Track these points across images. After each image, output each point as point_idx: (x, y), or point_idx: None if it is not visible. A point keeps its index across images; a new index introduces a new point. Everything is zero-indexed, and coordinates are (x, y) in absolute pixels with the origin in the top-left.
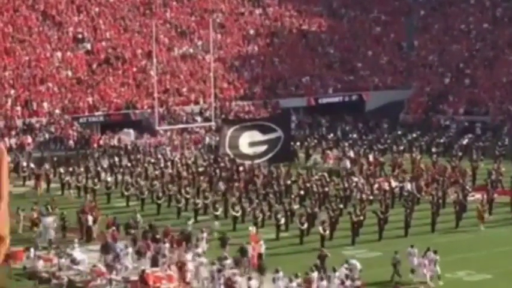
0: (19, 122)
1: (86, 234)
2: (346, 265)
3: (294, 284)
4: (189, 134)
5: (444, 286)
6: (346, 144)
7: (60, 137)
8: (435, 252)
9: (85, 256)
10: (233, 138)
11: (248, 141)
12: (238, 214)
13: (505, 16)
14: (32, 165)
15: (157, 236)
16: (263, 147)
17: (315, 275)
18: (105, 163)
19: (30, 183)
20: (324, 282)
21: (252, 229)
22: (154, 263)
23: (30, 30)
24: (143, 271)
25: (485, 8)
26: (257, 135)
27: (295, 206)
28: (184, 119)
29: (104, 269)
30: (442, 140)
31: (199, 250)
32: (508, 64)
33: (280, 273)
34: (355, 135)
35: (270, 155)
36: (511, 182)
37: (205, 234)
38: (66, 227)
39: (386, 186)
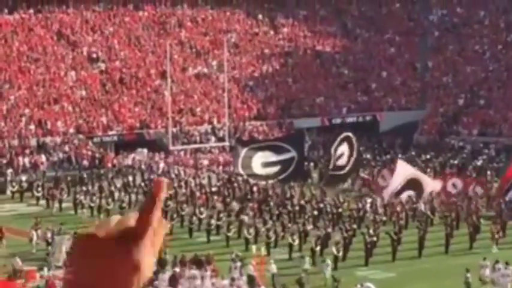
0: (33, 141)
1: None
2: (359, 286)
3: None
4: (203, 153)
5: None
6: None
7: (75, 156)
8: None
9: None
10: (246, 159)
11: (261, 162)
12: (251, 236)
13: None
14: (46, 184)
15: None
16: (276, 168)
17: None
18: (118, 183)
19: (43, 202)
20: None
21: (255, 249)
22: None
23: (45, 50)
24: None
25: (499, 30)
26: (270, 156)
27: (309, 227)
28: (198, 139)
29: None
30: (456, 161)
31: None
32: None
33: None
34: (368, 156)
35: (283, 175)
36: None
37: (238, 263)
38: None
39: (399, 207)
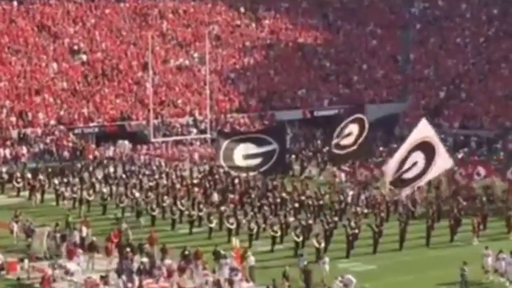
0: (14, 133)
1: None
2: (340, 278)
3: None
4: (184, 145)
5: None
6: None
7: (56, 148)
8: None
9: (79, 267)
10: (228, 151)
11: (243, 154)
12: (233, 227)
13: (500, 30)
14: (26, 176)
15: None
16: (258, 160)
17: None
18: (100, 174)
19: (25, 194)
20: None
21: (235, 242)
22: None
23: (26, 41)
24: (140, 282)
25: (481, 22)
26: (252, 148)
27: (291, 219)
28: (179, 130)
29: (98, 280)
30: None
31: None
32: (503, 78)
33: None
34: None
35: (264, 168)
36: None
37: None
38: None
39: (379, 199)
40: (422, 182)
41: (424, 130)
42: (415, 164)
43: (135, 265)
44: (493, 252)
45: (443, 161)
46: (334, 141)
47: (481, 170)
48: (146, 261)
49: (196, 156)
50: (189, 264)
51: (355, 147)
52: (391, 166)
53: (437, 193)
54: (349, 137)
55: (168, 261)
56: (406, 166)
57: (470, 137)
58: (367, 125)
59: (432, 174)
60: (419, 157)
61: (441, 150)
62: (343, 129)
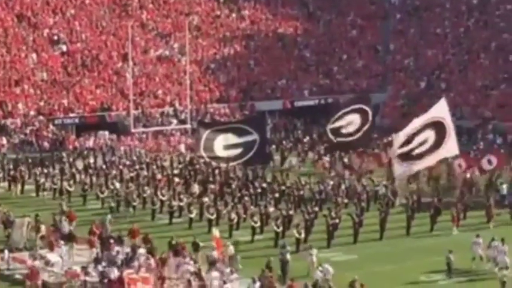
0: None
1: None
2: (320, 268)
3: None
4: (165, 136)
5: None
6: (322, 147)
7: (36, 138)
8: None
9: (59, 258)
10: (208, 141)
11: (223, 144)
12: (213, 217)
13: (480, 21)
14: (6, 166)
15: None
16: (238, 150)
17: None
18: (80, 165)
19: (4, 184)
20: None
21: (215, 232)
22: None
23: (6, 31)
24: (120, 273)
25: (461, 13)
26: (232, 138)
27: (271, 209)
28: (159, 121)
29: (78, 270)
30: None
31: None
32: (483, 68)
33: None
34: None
35: (245, 158)
36: (484, 186)
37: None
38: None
39: (359, 189)
40: (426, 163)
41: (441, 110)
42: (425, 141)
43: (120, 256)
44: (483, 240)
45: (451, 147)
46: (331, 127)
47: (492, 159)
48: (129, 252)
49: (182, 147)
50: (178, 255)
51: (357, 136)
52: (400, 138)
53: (436, 185)
54: (350, 126)
55: (142, 250)
56: (417, 142)
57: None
58: (370, 116)
59: (438, 156)
60: (430, 135)
61: (452, 135)
62: (342, 118)
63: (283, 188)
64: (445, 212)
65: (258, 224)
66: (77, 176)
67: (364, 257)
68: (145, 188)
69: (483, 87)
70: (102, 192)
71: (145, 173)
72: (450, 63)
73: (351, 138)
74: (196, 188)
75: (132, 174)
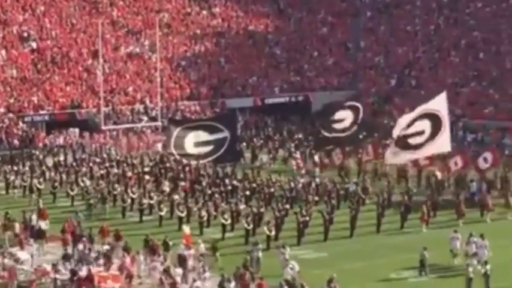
0: None
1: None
2: (291, 265)
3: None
4: (135, 133)
5: (389, 287)
6: (292, 144)
7: (5, 136)
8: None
9: (29, 256)
10: (179, 138)
11: (194, 141)
12: (184, 214)
13: (451, 18)
14: None
15: None
16: (209, 148)
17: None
18: (50, 162)
19: None
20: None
21: (186, 229)
22: None
23: None
24: (89, 270)
25: (431, 11)
26: (203, 135)
27: (241, 206)
28: (130, 118)
29: (48, 268)
30: (387, 142)
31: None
32: (453, 66)
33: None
34: (301, 136)
35: (215, 155)
36: (455, 182)
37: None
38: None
39: (330, 186)
40: (418, 155)
41: (440, 104)
42: (422, 132)
43: (92, 254)
44: (461, 235)
45: (442, 143)
46: (326, 127)
47: (488, 156)
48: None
49: (159, 146)
50: (153, 253)
51: (347, 133)
52: (401, 123)
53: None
54: (343, 122)
55: (106, 247)
56: (412, 130)
57: None
58: (361, 114)
59: (429, 150)
60: (426, 127)
61: (446, 131)
62: (334, 115)
63: (253, 185)
64: (416, 209)
65: (229, 221)
66: (47, 174)
67: (334, 255)
68: (116, 185)
69: (453, 85)
70: (72, 190)
71: (115, 170)
72: (420, 61)
73: (343, 134)
74: (166, 186)
75: (102, 172)
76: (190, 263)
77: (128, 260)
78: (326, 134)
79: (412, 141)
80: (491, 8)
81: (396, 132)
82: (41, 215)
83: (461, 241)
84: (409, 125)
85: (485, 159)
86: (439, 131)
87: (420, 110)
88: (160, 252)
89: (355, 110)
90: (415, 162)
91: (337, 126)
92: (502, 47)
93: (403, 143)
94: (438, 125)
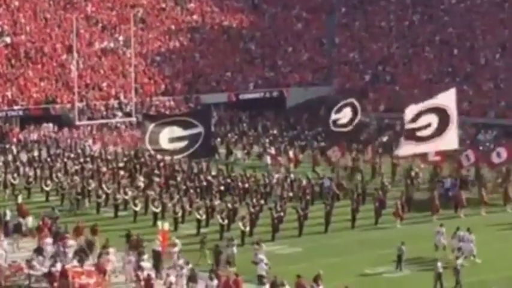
0: None
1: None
2: (265, 261)
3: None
4: (109, 129)
5: (365, 282)
6: (267, 140)
7: None
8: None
9: (2, 251)
10: (154, 134)
11: (168, 137)
12: (158, 210)
13: (425, 14)
14: None
15: None
16: (183, 143)
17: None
18: (24, 157)
19: None
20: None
21: (162, 225)
22: None
23: None
24: (63, 266)
25: (406, 6)
26: (178, 131)
27: (216, 202)
28: (104, 114)
29: (23, 264)
30: (362, 137)
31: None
32: (428, 62)
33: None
34: (275, 132)
35: (190, 151)
36: (429, 178)
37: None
38: None
39: (304, 182)
40: (426, 148)
41: (449, 99)
42: (428, 125)
43: (67, 250)
44: (446, 230)
45: (450, 140)
46: (334, 117)
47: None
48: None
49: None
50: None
51: (348, 128)
52: (408, 114)
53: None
54: (344, 118)
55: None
56: (420, 123)
57: (395, 121)
58: (359, 111)
59: (437, 146)
60: (434, 121)
61: (454, 128)
62: (339, 111)
63: (228, 181)
64: (390, 205)
65: (204, 217)
66: (21, 169)
67: (308, 250)
68: (90, 181)
69: (427, 81)
70: (47, 185)
71: (90, 166)
72: (395, 57)
73: (344, 129)
74: (141, 181)
75: (76, 167)
76: (174, 259)
77: (111, 256)
78: (335, 128)
79: (419, 133)
80: (466, 4)
81: (405, 123)
82: (22, 212)
83: (446, 235)
84: (416, 118)
85: (498, 154)
86: (447, 127)
87: (429, 103)
88: (141, 248)
89: (353, 106)
90: (424, 159)
91: (341, 121)
92: (476, 43)
93: (411, 136)
94: (446, 120)
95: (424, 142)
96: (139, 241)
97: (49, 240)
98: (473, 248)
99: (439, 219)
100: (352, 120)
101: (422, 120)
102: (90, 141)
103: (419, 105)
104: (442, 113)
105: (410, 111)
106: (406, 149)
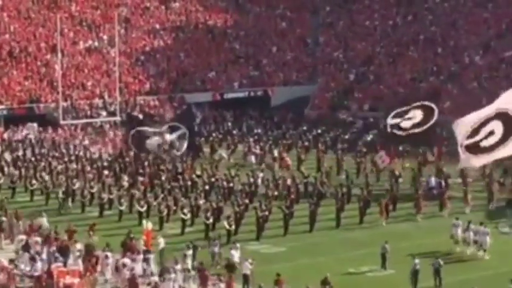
0: None
1: None
2: (250, 260)
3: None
4: (94, 128)
5: (349, 281)
6: (252, 139)
7: None
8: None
9: None
10: (139, 134)
11: (158, 144)
12: (144, 209)
13: (409, 13)
14: None
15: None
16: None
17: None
18: (8, 157)
19: None
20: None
21: (146, 224)
22: None
23: None
24: (48, 267)
25: (390, 5)
26: (166, 136)
27: (201, 201)
28: (88, 113)
29: (6, 263)
30: (346, 136)
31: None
32: (412, 61)
33: (178, 266)
34: (260, 131)
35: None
36: (411, 177)
37: (190, 251)
38: None
39: (289, 181)
40: (495, 156)
41: (508, 101)
42: (491, 133)
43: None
44: (462, 222)
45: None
46: (392, 122)
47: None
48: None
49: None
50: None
51: (414, 131)
52: (463, 127)
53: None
54: (409, 120)
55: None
56: (482, 134)
57: (379, 119)
58: (436, 115)
59: (505, 152)
60: (497, 127)
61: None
62: (406, 112)
63: (213, 180)
64: (375, 204)
65: (188, 216)
66: (6, 169)
67: (293, 249)
68: (75, 180)
69: (412, 80)
70: (32, 185)
71: (74, 165)
72: (379, 56)
73: (401, 132)
74: (125, 181)
75: (61, 167)
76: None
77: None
78: (396, 132)
79: (484, 143)
80: (450, 3)
81: (461, 138)
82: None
83: (462, 228)
84: (477, 130)
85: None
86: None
87: (487, 112)
88: (140, 251)
89: (426, 110)
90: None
91: (404, 124)
92: (460, 42)
93: (475, 148)
94: (510, 124)
95: (491, 151)
96: (133, 244)
97: (38, 239)
98: (487, 242)
99: (423, 218)
100: (418, 126)
101: (485, 129)
102: (77, 141)
103: (477, 116)
104: (505, 118)
105: (468, 124)
106: (474, 161)
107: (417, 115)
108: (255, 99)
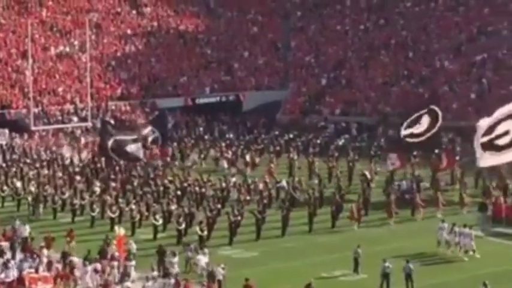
0: None
1: None
2: (222, 265)
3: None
4: (65, 134)
5: (321, 285)
6: (223, 144)
7: None
8: (465, 226)
9: None
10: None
11: (127, 145)
12: (116, 215)
13: (381, 18)
14: None
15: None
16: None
17: (155, 273)
18: None
19: None
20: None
21: (119, 230)
22: None
23: None
24: (20, 273)
25: (361, 10)
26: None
27: (173, 207)
28: (60, 119)
29: None
30: (318, 141)
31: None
32: (383, 65)
33: (155, 273)
34: (232, 136)
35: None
36: (385, 181)
37: (176, 259)
38: None
39: (261, 186)
40: (508, 157)
41: None
42: (507, 132)
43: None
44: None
45: None
46: (406, 132)
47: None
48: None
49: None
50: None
51: (423, 138)
52: (482, 127)
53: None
54: (420, 127)
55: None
56: (497, 132)
57: (351, 124)
58: (440, 118)
59: None
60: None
61: None
62: (418, 120)
63: (185, 185)
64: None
65: (160, 221)
66: None
67: (265, 254)
68: (46, 186)
69: (383, 84)
70: (3, 191)
71: (45, 171)
72: (351, 60)
73: (417, 140)
74: (97, 186)
75: (32, 173)
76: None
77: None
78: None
79: (500, 142)
80: (420, 7)
81: (479, 137)
82: None
83: (448, 231)
84: (492, 128)
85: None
86: None
87: (502, 113)
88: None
89: (433, 115)
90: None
91: (416, 130)
92: (431, 46)
93: (490, 147)
94: None
95: (504, 151)
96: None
97: (6, 244)
98: (472, 243)
99: (395, 223)
100: (427, 130)
101: (500, 128)
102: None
103: (494, 116)
104: None
105: (486, 124)
106: (488, 160)
107: (425, 121)
108: (227, 104)
